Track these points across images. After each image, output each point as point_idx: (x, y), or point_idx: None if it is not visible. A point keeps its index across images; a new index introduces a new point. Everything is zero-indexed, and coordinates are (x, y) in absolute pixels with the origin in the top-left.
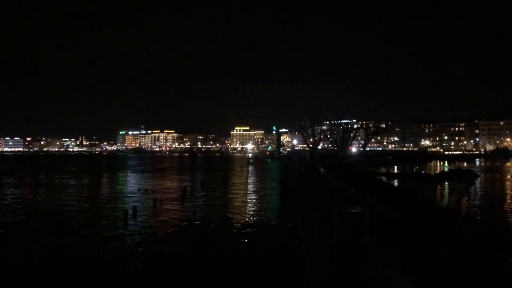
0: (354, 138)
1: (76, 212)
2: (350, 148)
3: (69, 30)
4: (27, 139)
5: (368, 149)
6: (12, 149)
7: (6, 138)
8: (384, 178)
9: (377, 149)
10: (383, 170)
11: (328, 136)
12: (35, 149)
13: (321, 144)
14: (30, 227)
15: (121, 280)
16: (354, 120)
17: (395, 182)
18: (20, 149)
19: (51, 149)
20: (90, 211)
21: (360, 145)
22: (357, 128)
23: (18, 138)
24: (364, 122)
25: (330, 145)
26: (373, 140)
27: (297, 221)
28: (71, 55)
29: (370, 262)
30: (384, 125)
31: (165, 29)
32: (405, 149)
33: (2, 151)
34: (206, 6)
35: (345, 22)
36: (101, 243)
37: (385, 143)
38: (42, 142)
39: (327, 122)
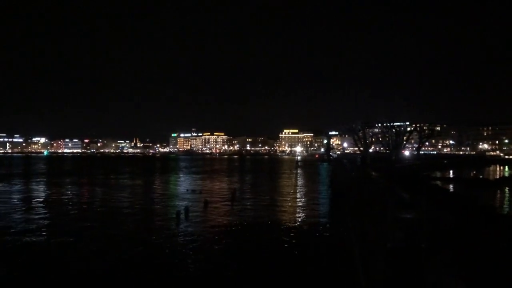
0: (408, 141)
1: (131, 211)
2: (403, 151)
3: (128, 35)
4: (85, 141)
5: (422, 152)
6: (71, 151)
7: (66, 140)
8: (439, 183)
9: (432, 152)
10: (438, 174)
11: (380, 139)
12: (92, 150)
13: (372, 147)
14: (86, 223)
15: (177, 275)
16: (408, 123)
17: (451, 187)
18: (78, 150)
19: (107, 151)
20: (144, 210)
21: (414, 149)
22: (411, 131)
23: (76, 140)
24: (418, 125)
25: (382, 148)
26: (427, 143)
27: (348, 225)
28: (129, 61)
29: (427, 269)
30: (439, 128)
31: (215, 34)
32: (461, 153)
33: (62, 153)
34: (254, 10)
35: (399, 24)
36: (156, 242)
37: (440, 147)
38: (98, 144)
39: (379, 125)
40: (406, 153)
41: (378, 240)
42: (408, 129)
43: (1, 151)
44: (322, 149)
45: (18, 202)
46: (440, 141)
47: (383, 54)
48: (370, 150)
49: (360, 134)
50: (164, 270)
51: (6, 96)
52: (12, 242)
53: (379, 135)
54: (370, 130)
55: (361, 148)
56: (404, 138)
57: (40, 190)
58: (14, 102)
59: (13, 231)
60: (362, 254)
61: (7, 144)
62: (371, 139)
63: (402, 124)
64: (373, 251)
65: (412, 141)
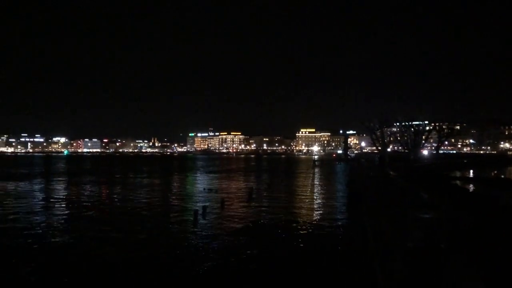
0: (426, 140)
1: (149, 210)
2: (421, 151)
3: (149, 37)
4: (104, 140)
5: (442, 152)
6: (90, 150)
7: (85, 139)
8: (458, 183)
9: (451, 152)
10: (458, 174)
11: (399, 138)
12: (111, 150)
13: (390, 147)
14: (102, 222)
15: (196, 275)
16: (426, 122)
17: (471, 187)
18: (98, 150)
19: (125, 150)
20: (162, 210)
21: (433, 148)
22: (430, 130)
23: (95, 140)
24: (437, 124)
25: (400, 148)
26: (446, 142)
27: (366, 225)
28: (147, 61)
29: (446, 269)
30: (458, 127)
31: (232, 33)
32: (481, 152)
33: (82, 152)
34: (272, 11)
35: (416, 22)
36: (175, 241)
37: (459, 146)
38: (117, 144)
39: (397, 124)
40: (425, 152)
41: (397, 240)
42: (427, 128)
43: (23, 151)
44: (340, 149)
45: (37, 201)
46: (460, 140)
47: (400, 52)
48: (388, 150)
49: (378, 133)
50: (178, 268)
51: (27, 97)
52: (29, 241)
53: (397, 134)
54: (388, 130)
55: (379, 148)
56: (423, 137)
57: (59, 189)
58: (34, 103)
59: (31, 231)
60: (380, 254)
61: (29, 143)
62: (389, 138)
63: (421, 123)
64: (391, 251)
65: (431, 141)
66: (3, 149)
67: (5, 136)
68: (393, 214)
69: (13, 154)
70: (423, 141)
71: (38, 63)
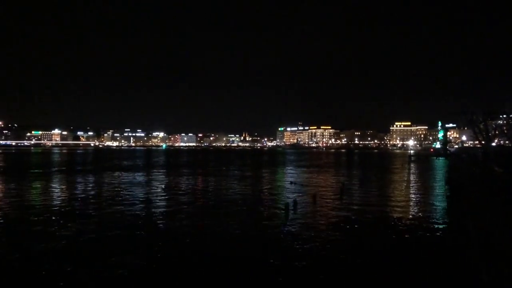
0: None
1: (241, 201)
2: None
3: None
4: (199, 135)
5: None
6: (187, 144)
7: (182, 134)
8: None
9: None
10: None
11: (505, 131)
12: (205, 144)
13: (495, 141)
14: (200, 210)
15: (290, 265)
16: None
17: None
18: (193, 144)
19: (218, 144)
20: (253, 201)
21: None
22: None
23: (191, 134)
24: None
25: (507, 142)
26: None
27: (468, 226)
28: (239, 58)
29: None
30: None
31: (323, 29)
32: None
33: (178, 146)
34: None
35: None
36: (267, 234)
37: None
38: (211, 138)
39: (504, 116)
40: None
41: (504, 243)
42: None
43: (126, 145)
44: (438, 143)
45: (141, 190)
46: None
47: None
48: (493, 144)
49: (482, 126)
50: (271, 264)
51: (130, 95)
52: (138, 230)
53: (504, 127)
54: (493, 122)
55: (482, 142)
56: None
57: (159, 180)
58: (137, 101)
59: (138, 216)
60: (485, 258)
61: (131, 138)
62: (494, 131)
63: None
64: (500, 256)
65: None
66: (109, 143)
67: (111, 131)
68: (499, 214)
69: (117, 147)
70: None
71: (142, 65)
